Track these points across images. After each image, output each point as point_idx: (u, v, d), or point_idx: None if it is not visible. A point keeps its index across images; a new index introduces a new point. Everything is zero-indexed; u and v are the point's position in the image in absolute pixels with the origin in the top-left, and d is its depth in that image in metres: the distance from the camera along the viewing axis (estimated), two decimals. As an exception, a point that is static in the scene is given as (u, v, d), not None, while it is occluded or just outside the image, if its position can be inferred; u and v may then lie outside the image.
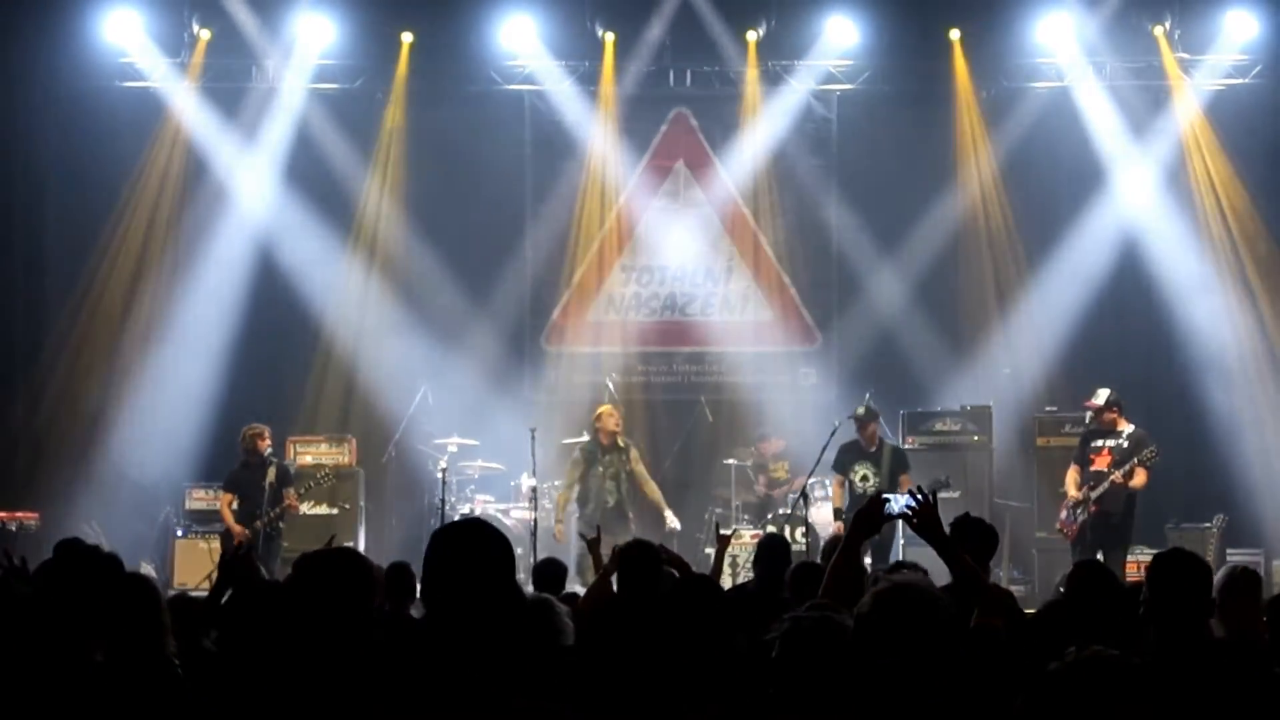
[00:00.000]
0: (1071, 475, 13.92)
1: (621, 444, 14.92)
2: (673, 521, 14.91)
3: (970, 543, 6.16)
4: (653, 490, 15.02)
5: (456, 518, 15.14)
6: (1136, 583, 5.95)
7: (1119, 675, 2.94)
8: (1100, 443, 13.80)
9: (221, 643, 5.11)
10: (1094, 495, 13.48)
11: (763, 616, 7.23)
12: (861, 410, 14.69)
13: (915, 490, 5.33)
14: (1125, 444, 13.63)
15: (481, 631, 3.74)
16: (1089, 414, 14.31)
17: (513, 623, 3.77)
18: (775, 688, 4.47)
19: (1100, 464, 13.66)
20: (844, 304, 17.87)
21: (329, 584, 4.30)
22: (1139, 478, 13.42)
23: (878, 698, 3.66)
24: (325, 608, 4.23)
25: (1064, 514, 13.91)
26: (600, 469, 14.72)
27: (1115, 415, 13.82)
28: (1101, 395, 13.92)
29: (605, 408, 15.18)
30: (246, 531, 13.59)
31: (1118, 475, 13.39)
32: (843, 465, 14.53)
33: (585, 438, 15.17)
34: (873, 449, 14.58)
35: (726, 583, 13.45)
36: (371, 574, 4.46)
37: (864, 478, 14.36)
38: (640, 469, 15.02)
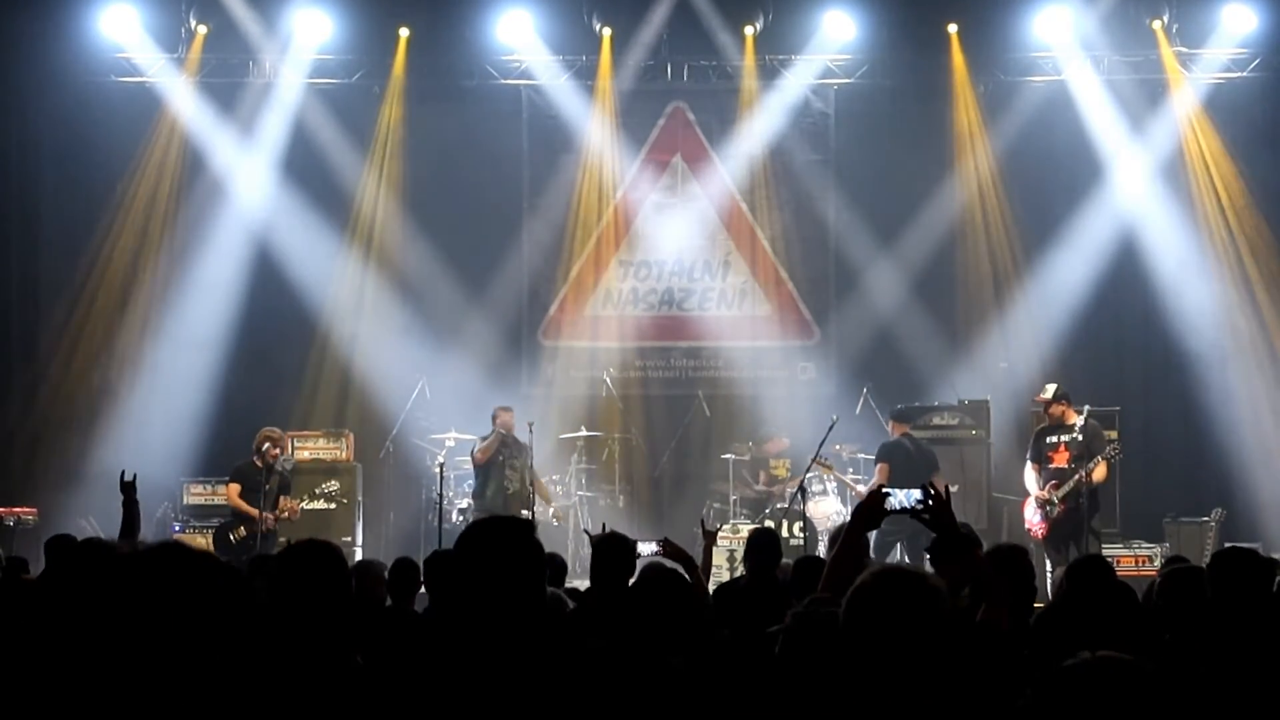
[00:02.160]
0: (1030, 474, 13.86)
1: (523, 441, 15.19)
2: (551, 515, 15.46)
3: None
4: (542, 486, 15.48)
5: (454, 514, 15.21)
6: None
7: (1130, 678, 2.94)
8: (1055, 439, 13.74)
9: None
10: (1059, 495, 13.45)
11: (754, 610, 7.25)
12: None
13: (928, 485, 5.31)
14: (1080, 436, 13.60)
15: (504, 631, 3.73)
16: (1088, 405, 14.32)
17: (534, 627, 3.76)
18: (778, 683, 4.46)
19: (1059, 460, 13.62)
20: (841, 298, 17.87)
21: (306, 575, 4.30)
22: (1099, 471, 13.42)
23: (874, 686, 3.64)
24: (303, 599, 4.23)
25: (1029, 512, 13.85)
26: (501, 458, 15.04)
27: (1065, 408, 13.78)
28: (1049, 390, 13.91)
29: (507, 407, 15.38)
30: (270, 516, 13.62)
31: (1083, 475, 13.34)
32: None
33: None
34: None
35: (724, 577, 13.47)
36: (345, 565, 4.46)
37: None
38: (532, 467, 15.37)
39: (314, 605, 4.21)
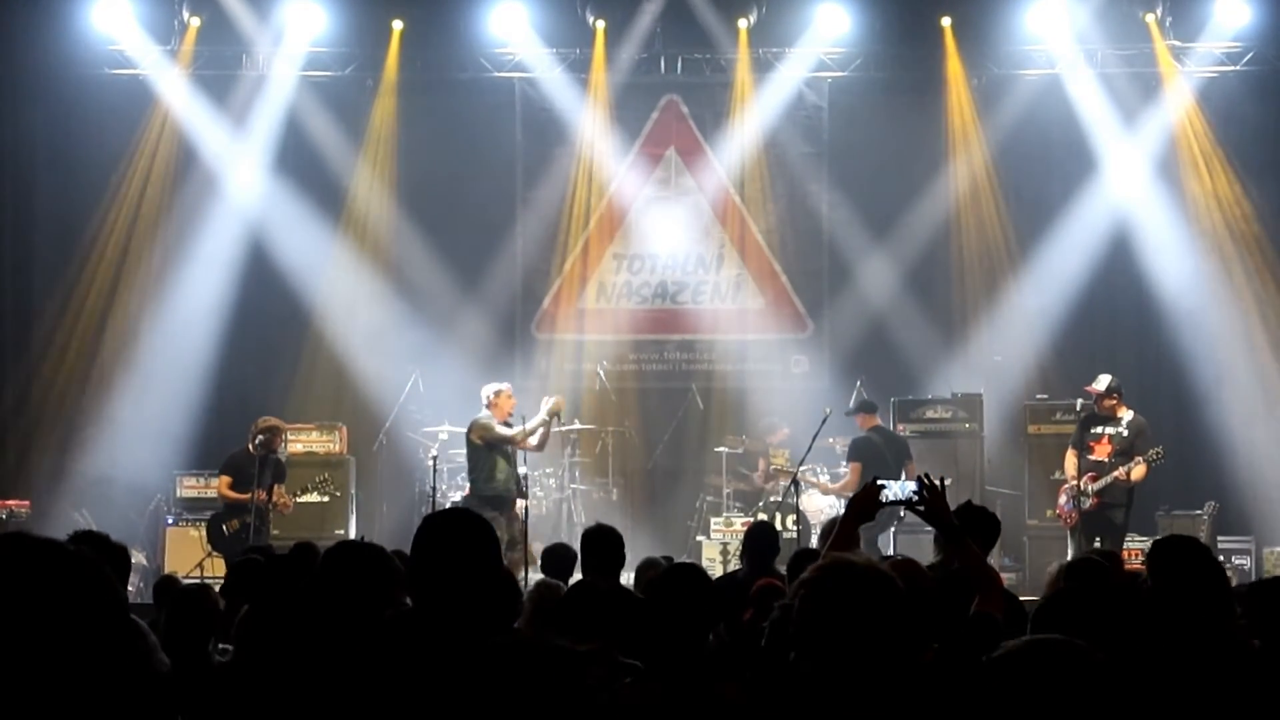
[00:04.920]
0: (1070, 460, 13.81)
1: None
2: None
3: (971, 533, 6.13)
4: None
5: (447, 505, 15.17)
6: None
7: (1069, 660, 2.93)
8: (1100, 430, 13.69)
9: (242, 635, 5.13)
10: (1095, 488, 13.41)
11: (750, 604, 7.26)
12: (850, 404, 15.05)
13: (923, 476, 5.31)
14: (1125, 432, 13.54)
15: (468, 616, 3.76)
16: (1081, 400, 14.30)
17: (497, 607, 3.79)
18: (765, 674, 4.46)
19: (1100, 453, 13.57)
20: (835, 291, 17.87)
21: (356, 577, 4.35)
22: (1138, 471, 13.37)
23: (829, 679, 3.64)
24: (351, 600, 4.28)
25: (1063, 499, 13.83)
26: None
27: (1115, 402, 13.71)
28: (1103, 381, 13.81)
29: (505, 387, 14.36)
30: (261, 492, 13.57)
31: (1121, 473, 13.29)
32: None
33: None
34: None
35: (717, 571, 13.50)
36: (394, 571, 4.51)
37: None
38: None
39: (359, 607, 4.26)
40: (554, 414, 14.14)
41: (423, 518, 4.15)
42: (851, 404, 15.30)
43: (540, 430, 14.13)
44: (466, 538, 3.95)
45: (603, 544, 7.55)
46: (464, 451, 16.14)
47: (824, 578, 3.68)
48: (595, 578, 7.20)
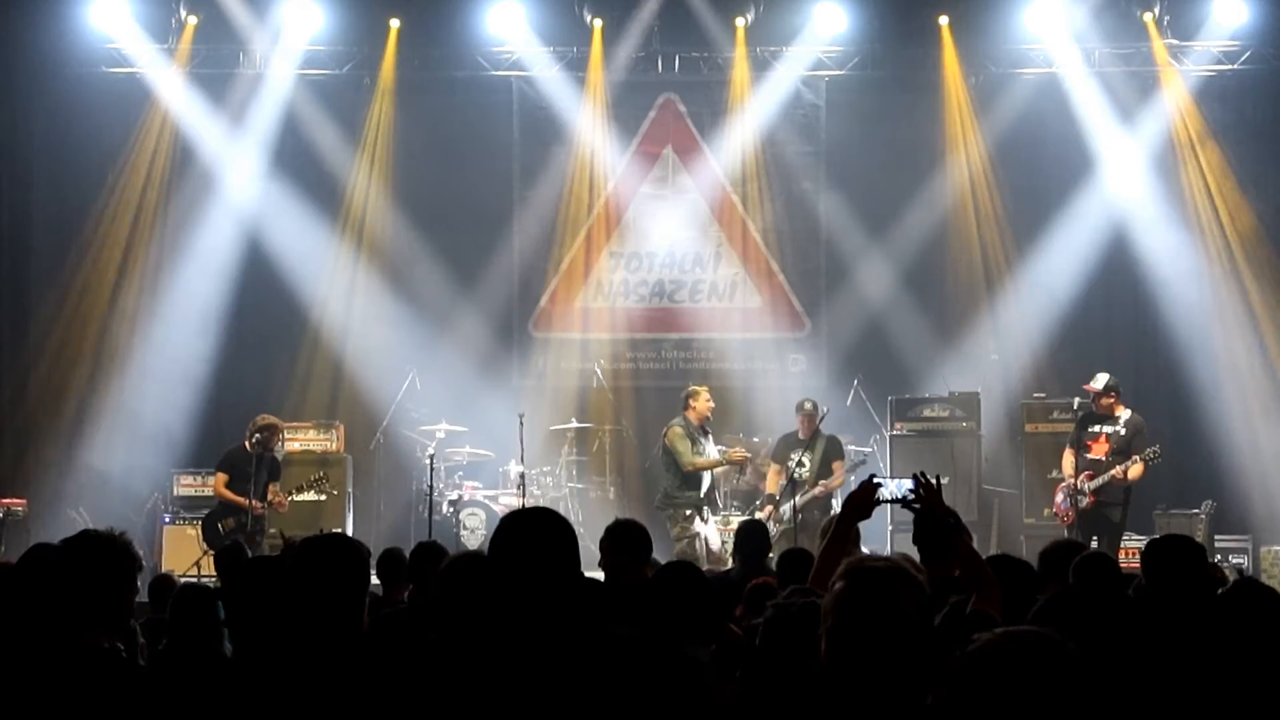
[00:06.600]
0: (1068, 459, 13.83)
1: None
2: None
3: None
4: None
5: (444, 506, 15.17)
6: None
7: (1044, 653, 2.92)
8: (1097, 428, 13.71)
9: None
10: (1091, 486, 13.42)
11: (743, 603, 7.26)
12: (809, 404, 14.94)
13: (919, 475, 5.30)
14: (1123, 431, 13.55)
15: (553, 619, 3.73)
16: (1078, 398, 14.28)
17: (578, 608, 3.77)
18: (760, 673, 4.46)
19: (1098, 451, 13.58)
20: (832, 290, 17.87)
21: (326, 568, 4.33)
22: (1135, 470, 13.38)
23: (856, 680, 3.63)
24: (323, 592, 4.26)
25: (1060, 498, 13.86)
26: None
27: (1113, 400, 13.72)
28: (1100, 380, 13.82)
29: (704, 389, 14.41)
30: (258, 504, 13.57)
31: (1118, 471, 13.31)
32: (779, 454, 14.83)
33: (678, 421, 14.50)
34: (804, 438, 14.72)
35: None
36: (365, 560, 4.50)
37: (799, 463, 14.39)
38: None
39: (332, 598, 4.25)
40: (731, 462, 14.39)
41: (504, 515, 4.09)
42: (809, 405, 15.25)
43: (714, 469, 14.22)
44: (548, 538, 3.90)
45: (626, 537, 7.52)
46: (461, 450, 16.22)
47: (861, 578, 3.67)
48: (616, 572, 7.19)
